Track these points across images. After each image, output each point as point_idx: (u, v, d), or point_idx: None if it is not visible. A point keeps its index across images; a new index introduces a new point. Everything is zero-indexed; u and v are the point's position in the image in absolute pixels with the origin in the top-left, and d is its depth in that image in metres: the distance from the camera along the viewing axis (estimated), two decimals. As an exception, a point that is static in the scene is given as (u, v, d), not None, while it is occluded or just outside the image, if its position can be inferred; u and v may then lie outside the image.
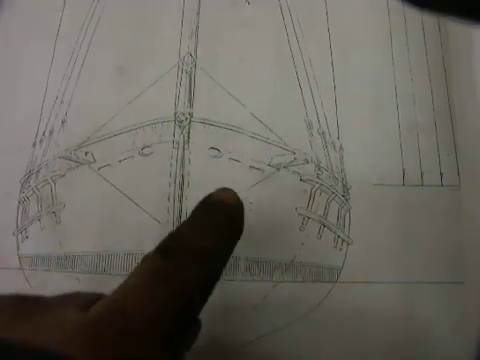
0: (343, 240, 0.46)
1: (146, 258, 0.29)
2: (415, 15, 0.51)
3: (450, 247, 0.46)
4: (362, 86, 0.50)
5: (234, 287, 0.45)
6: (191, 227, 0.31)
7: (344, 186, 0.47)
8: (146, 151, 0.48)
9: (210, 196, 0.32)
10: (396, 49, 0.51)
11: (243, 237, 0.45)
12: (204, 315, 0.43)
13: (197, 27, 0.51)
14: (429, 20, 0.51)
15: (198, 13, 0.52)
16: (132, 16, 0.53)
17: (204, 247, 0.29)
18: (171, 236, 0.30)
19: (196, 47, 0.51)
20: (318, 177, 0.47)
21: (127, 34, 0.52)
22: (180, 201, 0.46)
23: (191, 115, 0.48)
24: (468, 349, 0.42)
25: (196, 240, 0.29)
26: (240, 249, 0.45)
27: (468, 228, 0.45)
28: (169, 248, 0.29)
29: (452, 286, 0.45)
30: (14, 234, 0.48)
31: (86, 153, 0.48)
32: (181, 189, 0.46)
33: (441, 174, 0.47)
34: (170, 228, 0.46)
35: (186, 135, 0.47)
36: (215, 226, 0.30)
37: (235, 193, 0.32)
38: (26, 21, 0.54)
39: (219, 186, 0.46)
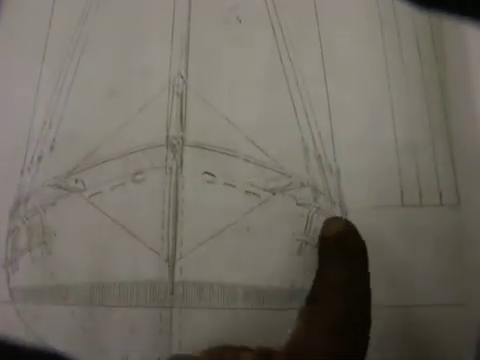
0: (342, 264, 0.46)
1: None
2: (409, 32, 0.52)
3: (451, 268, 0.47)
4: (357, 106, 0.51)
5: (234, 315, 0.46)
6: (327, 269, 0.34)
7: (342, 209, 0.48)
8: (138, 177, 0.48)
9: (325, 232, 0.40)
10: (391, 67, 0.51)
11: (240, 264, 0.46)
12: (204, 343, 0.44)
13: (187, 47, 0.51)
14: (424, 36, 0.52)
15: (188, 32, 0.52)
16: (120, 37, 0.53)
17: (344, 279, 0.33)
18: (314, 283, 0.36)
19: (187, 68, 0.51)
20: (315, 201, 0.47)
21: (115, 55, 0.53)
22: (175, 228, 0.47)
23: (183, 139, 0.48)
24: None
25: (336, 275, 0.33)
26: (238, 276, 0.46)
27: (469, 248, 0.46)
28: (314, 293, 0.33)
29: (453, 308, 0.45)
30: (3, 266, 0.48)
31: (76, 180, 0.48)
32: (175, 216, 0.47)
33: (440, 193, 0.48)
34: (165, 256, 0.46)
35: (179, 160, 0.48)
36: (346, 258, 0.34)
37: (340, 218, 0.37)
38: (10, 43, 0.54)
39: (214, 212, 0.47)
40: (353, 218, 0.48)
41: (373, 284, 0.46)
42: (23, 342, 0.44)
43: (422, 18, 0.53)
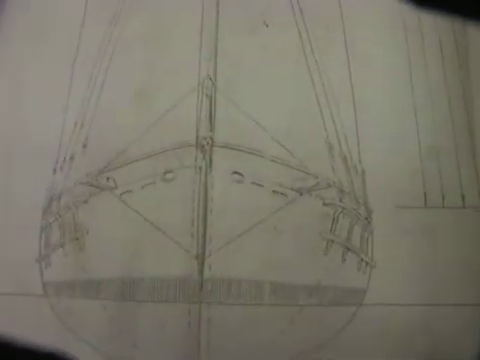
0: (367, 263, 0.48)
1: None
2: (433, 38, 0.53)
3: (473, 268, 0.48)
4: (382, 109, 0.52)
5: (261, 312, 0.47)
6: None
7: (367, 209, 0.49)
8: (168, 176, 0.49)
9: None
10: (415, 71, 0.53)
11: (268, 262, 0.47)
12: (233, 339, 0.46)
13: (216, 50, 0.53)
14: (447, 42, 0.53)
15: (216, 36, 0.53)
16: (150, 40, 0.55)
17: None
18: None
19: (215, 70, 0.52)
20: (341, 201, 0.49)
21: (146, 57, 0.54)
22: (204, 226, 0.48)
23: (213, 139, 0.50)
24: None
25: None
26: (265, 274, 0.47)
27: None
28: None
29: (476, 308, 0.47)
30: (37, 261, 0.49)
31: (108, 178, 0.50)
32: (205, 214, 0.48)
33: (463, 196, 0.49)
34: (194, 253, 0.47)
35: (208, 160, 0.49)
36: None
37: None
38: (43, 47, 0.55)
39: (242, 211, 0.49)
40: (377, 218, 0.49)
41: (397, 284, 0.48)
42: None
43: (445, 24, 0.54)
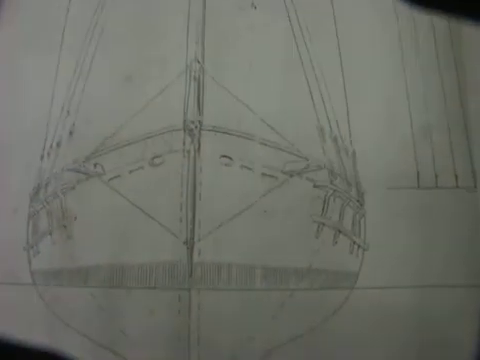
0: (359, 246, 0.47)
1: None
2: (424, 16, 0.52)
3: (467, 249, 0.47)
4: (373, 89, 0.51)
5: (252, 296, 0.46)
6: None
7: (358, 191, 0.48)
8: (156, 161, 0.49)
9: None
10: (406, 51, 0.52)
11: (259, 246, 0.47)
12: (224, 325, 0.45)
13: (203, 33, 0.52)
14: (439, 21, 0.53)
15: (203, 18, 0.53)
16: (136, 24, 0.54)
17: None
18: None
19: (203, 53, 0.52)
20: (332, 183, 0.48)
21: (132, 42, 0.54)
22: (193, 211, 0.48)
23: (201, 123, 0.49)
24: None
25: None
26: (255, 258, 0.47)
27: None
28: None
29: (470, 289, 0.46)
30: (25, 249, 0.49)
31: (95, 165, 0.49)
32: (193, 199, 0.48)
33: (456, 176, 0.49)
34: (183, 238, 0.47)
35: (196, 143, 0.49)
36: None
37: None
38: (29, 32, 0.55)
39: (232, 195, 0.48)
40: (369, 200, 0.49)
41: (390, 266, 0.47)
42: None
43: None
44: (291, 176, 0.49)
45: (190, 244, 0.47)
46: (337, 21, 0.53)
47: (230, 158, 0.49)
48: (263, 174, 0.49)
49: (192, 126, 0.50)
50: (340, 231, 0.48)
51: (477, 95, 0.50)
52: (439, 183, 0.49)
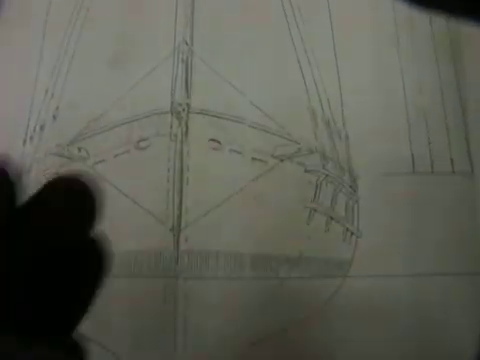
0: (352, 233, 0.46)
1: None
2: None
3: (463, 236, 0.46)
4: (367, 72, 0.50)
5: (240, 285, 0.45)
6: None
7: (351, 176, 0.47)
8: (143, 144, 0.47)
9: None
10: (401, 32, 0.51)
11: (248, 233, 0.45)
12: (211, 314, 0.44)
13: (192, 13, 0.51)
14: (435, 0, 0.51)
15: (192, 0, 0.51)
16: (123, 4, 0.53)
17: None
18: None
19: (192, 34, 0.51)
20: (324, 167, 0.47)
21: (118, 23, 0.52)
22: (180, 196, 0.46)
23: (189, 106, 0.48)
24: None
25: None
26: (244, 245, 0.45)
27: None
28: None
29: (466, 277, 0.45)
30: (6, 237, 0.47)
31: (79, 149, 0.48)
32: (180, 184, 0.46)
33: (452, 161, 0.47)
34: (169, 225, 0.46)
35: (184, 127, 0.47)
36: None
37: None
38: (12, 14, 0.53)
39: (220, 180, 0.47)
40: (363, 185, 0.47)
41: (384, 254, 0.46)
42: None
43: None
44: (282, 160, 0.47)
45: (176, 231, 0.46)
46: (331, 2, 0.52)
47: (219, 142, 0.48)
48: (253, 158, 0.47)
49: (180, 109, 0.48)
50: (332, 218, 0.46)
51: (472, 77, 0.48)
52: (435, 168, 0.48)
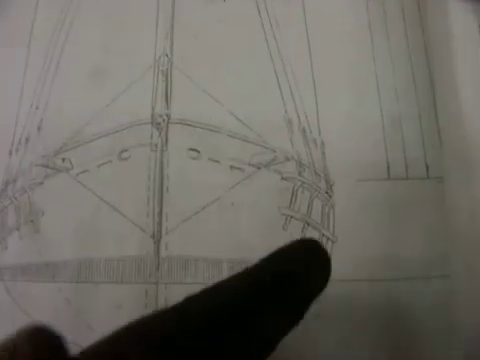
0: (328, 238, 0.47)
1: None
2: (395, 4, 0.52)
3: (437, 241, 0.47)
4: (342, 80, 0.51)
5: None
6: None
7: (327, 183, 0.48)
8: (124, 155, 0.49)
9: None
10: (376, 40, 0.52)
11: (225, 239, 0.46)
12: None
13: (172, 26, 0.52)
14: (409, 7, 0.53)
15: (173, 12, 0.53)
16: (106, 17, 0.54)
17: None
18: None
19: (172, 47, 0.52)
20: (300, 175, 0.48)
21: (101, 36, 0.54)
22: (160, 204, 0.48)
23: (169, 116, 0.49)
24: (458, 343, 0.43)
25: None
26: (223, 251, 0.46)
27: (453, 221, 0.46)
28: None
29: (440, 280, 0.46)
30: (-7, 245, 0.49)
31: (63, 159, 0.50)
32: (160, 192, 0.48)
33: (427, 166, 0.48)
34: (150, 232, 0.47)
35: (164, 137, 0.49)
36: None
37: None
38: (-2, 25, 0.55)
39: (199, 188, 0.48)
40: (338, 191, 0.48)
41: (360, 259, 0.47)
42: None
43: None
44: (258, 168, 0.48)
45: (157, 238, 0.47)
46: (306, 12, 0.53)
47: (198, 151, 0.49)
48: (231, 167, 0.49)
49: (160, 119, 0.50)
50: (308, 223, 0.48)
51: (443, 84, 0.49)
52: (410, 174, 0.49)
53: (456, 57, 0.47)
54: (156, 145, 0.49)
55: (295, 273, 0.31)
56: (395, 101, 0.51)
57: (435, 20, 0.51)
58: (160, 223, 0.47)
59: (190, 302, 0.28)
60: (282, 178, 0.48)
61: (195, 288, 0.46)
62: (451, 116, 0.48)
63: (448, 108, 0.48)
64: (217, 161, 0.49)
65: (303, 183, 0.48)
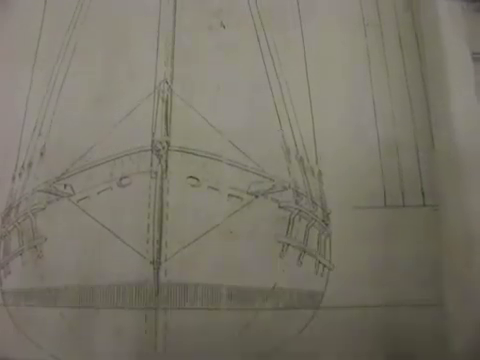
0: (324, 266, 0.49)
1: None
2: (392, 32, 0.54)
3: (433, 268, 0.48)
4: (340, 108, 0.53)
5: (218, 316, 0.48)
6: None
7: (324, 211, 0.50)
8: (124, 182, 0.50)
9: None
10: (374, 69, 0.54)
11: (225, 266, 0.48)
12: (190, 344, 0.46)
13: (173, 53, 0.54)
14: (407, 35, 0.54)
15: (173, 39, 0.54)
16: (107, 44, 0.56)
17: None
18: None
19: (172, 73, 0.53)
20: (297, 203, 0.49)
21: (102, 63, 0.55)
22: (160, 231, 0.49)
23: (169, 144, 0.51)
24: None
25: None
26: (221, 278, 0.48)
27: (448, 248, 0.47)
28: None
29: (434, 307, 0.47)
30: (-4, 269, 0.50)
31: (65, 185, 0.51)
32: (160, 219, 0.49)
33: (423, 194, 0.50)
34: (150, 258, 0.49)
35: (164, 164, 0.50)
36: None
37: None
38: (1, 52, 0.56)
39: (198, 216, 0.50)
40: (335, 219, 0.50)
41: (355, 286, 0.48)
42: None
43: (406, 17, 0.55)
44: (256, 197, 0.50)
45: (156, 264, 0.49)
46: (305, 39, 0.55)
47: (197, 179, 0.50)
48: (230, 195, 0.50)
49: (160, 147, 0.51)
50: (305, 251, 0.49)
51: (438, 111, 0.51)
52: (406, 202, 0.50)
53: (450, 84, 0.49)
54: (156, 172, 0.51)
55: None
56: (392, 128, 0.52)
57: (430, 48, 0.52)
58: (160, 250, 0.49)
59: None
60: (279, 206, 0.50)
61: (194, 313, 0.48)
62: (446, 143, 0.49)
63: (444, 135, 0.50)
64: (216, 189, 0.50)
65: (300, 211, 0.50)
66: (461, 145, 0.48)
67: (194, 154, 0.51)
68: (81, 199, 0.51)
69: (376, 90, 0.53)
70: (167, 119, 0.52)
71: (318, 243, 0.49)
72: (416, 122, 0.52)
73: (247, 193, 0.50)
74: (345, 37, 0.55)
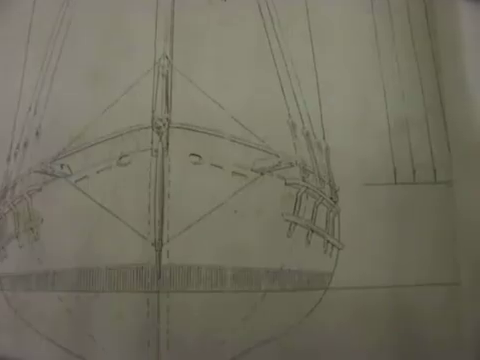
0: (333, 245, 0.47)
1: None
2: (401, 6, 0.52)
3: (445, 246, 0.47)
4: (347, 83, 0.51)
5: (222, 298, 0.46)
6: None
7: (332, 188, 0.48)
8: (124, 160, 0.49)
9: None
10: (382, 43, 0.52)
11: (229, 247, 0.46)
12: (194, 328, 0.45)
13: (172, 28, 0.52)
14: (416, 11, 0.52)
15: (172, 13, 0.53)
16: (103, 20, 0.54)
17: None
18: None
19: (172, 49, 0.52)
20: (304, 180, 0.48)
21: (99, 39, 0.54)
22: (161, 211, 0.48)
23: (169, 120, 0.49)
24: (466, 349, 0.44)
25: None
26: (226, 259, 0.46)
27: (462, 225, 0.46)
28: None
29: (448, 287, 0.46)
30: (-8, 253, 0.49)
31: (62, 165, 0.50)
32: (162, 199, 0.48)
33: (434, 170, 0.48)
34: (151, 240, 0.47)
35: (165, 142, 0.49)
36: None
37: None
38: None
39: (201, 194, 0.48)
40: (344, 197, 0.48)
41: (365, 266, 0.47)
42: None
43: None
44: (262, 174, 0.48)
45: (158, 246, 0.47)
46: (310, 14, 0.53)
47: (199, 156, 0.49)
48: (233, 172, 0.49)
49: (160, 124, 0.49)
50: (313, 230, 0.48)
51: (452, 87, 0.49)
52: (417, 178, 0.49)
53: (466, 60, 0.47)
54: (157, 150, 0.49)
55: None
56: (402, 104, 0.50)
57: (444, 22, 0.51)
58: (161, 230, 0.47)
59: None
60: (286, 184, 0.48)
61: (198, 296, 0.47)
62: (460, 119, 0.48)
63: (457, 111, 0.48)
64: (219, 167, 0.49)
65: (307, 188, 0.48)
66: (476, 122, 0.47)
67: (196, 131, 0.50)
68: (79, 179, 0.49)
69: (384, 65, 0.52)
70: (167, 95, 0.51)
71: (326, 222, 0.48)
72: (426, 97, 0.51)
73: (252, 170, 0.48)
74: (352, 10, 0.53)
